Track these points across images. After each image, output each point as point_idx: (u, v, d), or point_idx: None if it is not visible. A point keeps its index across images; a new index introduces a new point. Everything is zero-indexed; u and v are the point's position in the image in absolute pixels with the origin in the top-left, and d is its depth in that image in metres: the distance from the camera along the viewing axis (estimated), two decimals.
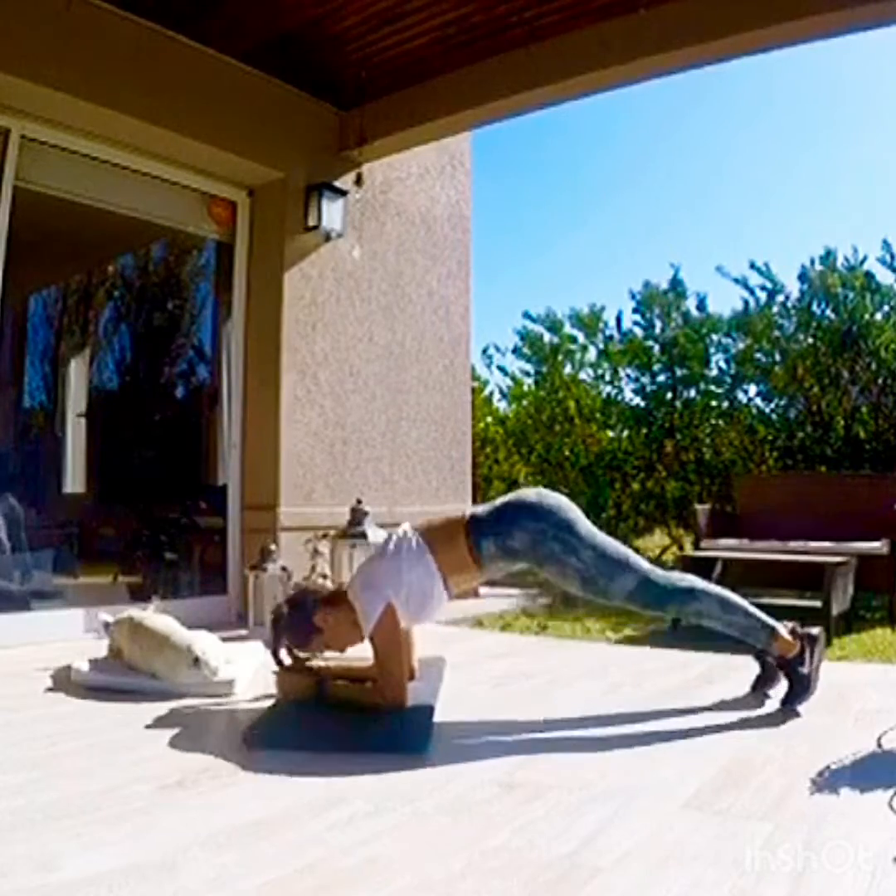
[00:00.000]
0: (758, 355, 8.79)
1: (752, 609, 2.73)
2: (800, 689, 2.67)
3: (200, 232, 5.17)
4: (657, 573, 2.70)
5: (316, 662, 2.79)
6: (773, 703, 2.73)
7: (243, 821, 1.80)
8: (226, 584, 4.84)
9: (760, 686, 2.84)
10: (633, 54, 4.11)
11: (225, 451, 5.01)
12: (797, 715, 2.62)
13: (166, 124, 4.33)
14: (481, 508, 2.76)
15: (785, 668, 2.71)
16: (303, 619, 2.69)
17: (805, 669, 2.67)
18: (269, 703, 2.74)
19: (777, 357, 8.63)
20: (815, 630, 2.76)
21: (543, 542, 2.62)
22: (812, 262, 8.54)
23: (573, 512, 2.71)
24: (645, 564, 2.70)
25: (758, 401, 8.97)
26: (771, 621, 2.71)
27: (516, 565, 2.73)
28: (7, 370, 5.47)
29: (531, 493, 2.76)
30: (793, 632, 2.73)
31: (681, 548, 8.58)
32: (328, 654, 2.78)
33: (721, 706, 2.78)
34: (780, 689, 2.76)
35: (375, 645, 2.59)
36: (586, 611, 5.19)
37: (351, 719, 2.53)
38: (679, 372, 9.21)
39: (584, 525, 2.68)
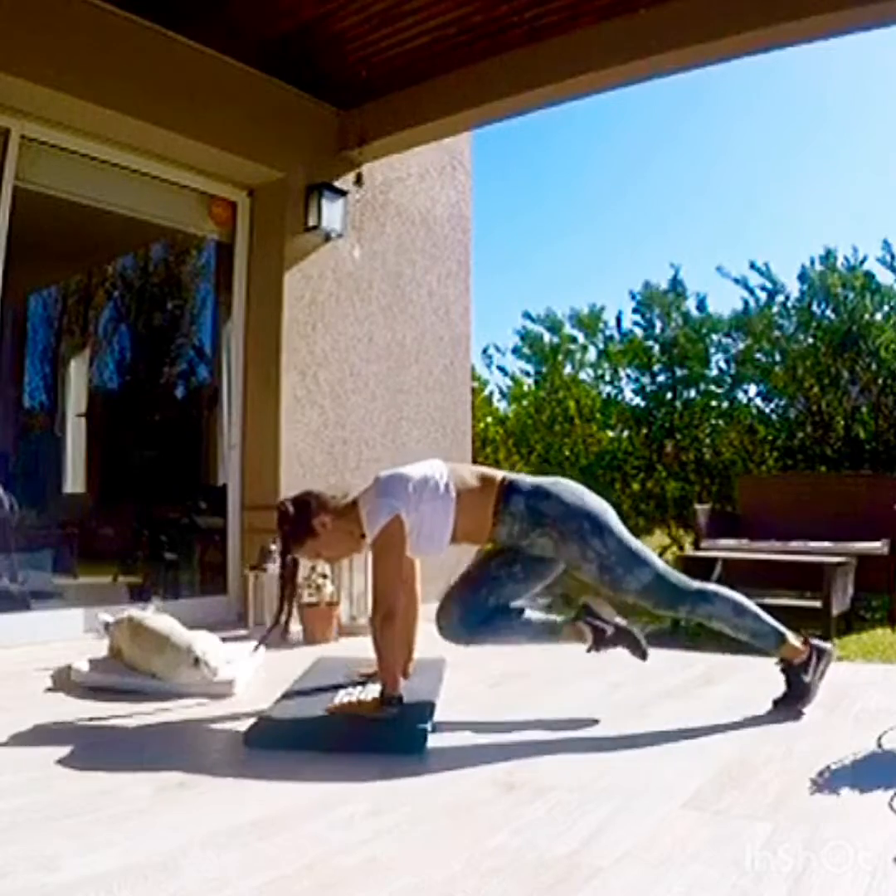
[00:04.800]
0: (758, 355, 8.81)
1: (764, 614, 2.72)
2: (796, 695, 2.67)
3: (200, 232, 5.16)
4: (672, 573, 2.71)
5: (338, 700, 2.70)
6: (769, 703, 2.72)
7: (243, 821, 1.80)
8: (226, 584, 4.83)
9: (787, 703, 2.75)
10: (633, 54, 4.10)
11: (225, 451, 5.01)
12: (794, 717, 2.62)
13: (166, 124, 4.32)
14: (521, 476, 2.77)
15: (787, 671, 2.71)
16: (302, 520, 2.65)
17: (807, 678, 2.67)
18: (269, 703, 2.73)
19: (777, 357, 8.64)
20: (827, 645, 2.75)
21: (574, 516, 2.63)
22: (812, 262, 8.56)
23: (606, 504, 2.75)
24: (662, 564, 2.72)
25: (758, 401, 9.00)
26: (781, 628, 2.71)
27: (530, 536, 2.65)
28: (7, 370, 5.47)
29: (572, 483, 2.78)
30: (805, 641, 2.72)
31: (681, 548, 8.57)
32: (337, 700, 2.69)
33: (721, 706, 2.78)
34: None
35: (374, 551, 2.57)
36: None
37: (351, 719, 2.53)
38: (679, 372, 9.21)
39: (614, 517, 2.72)
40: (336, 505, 2.70)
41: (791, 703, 2.66)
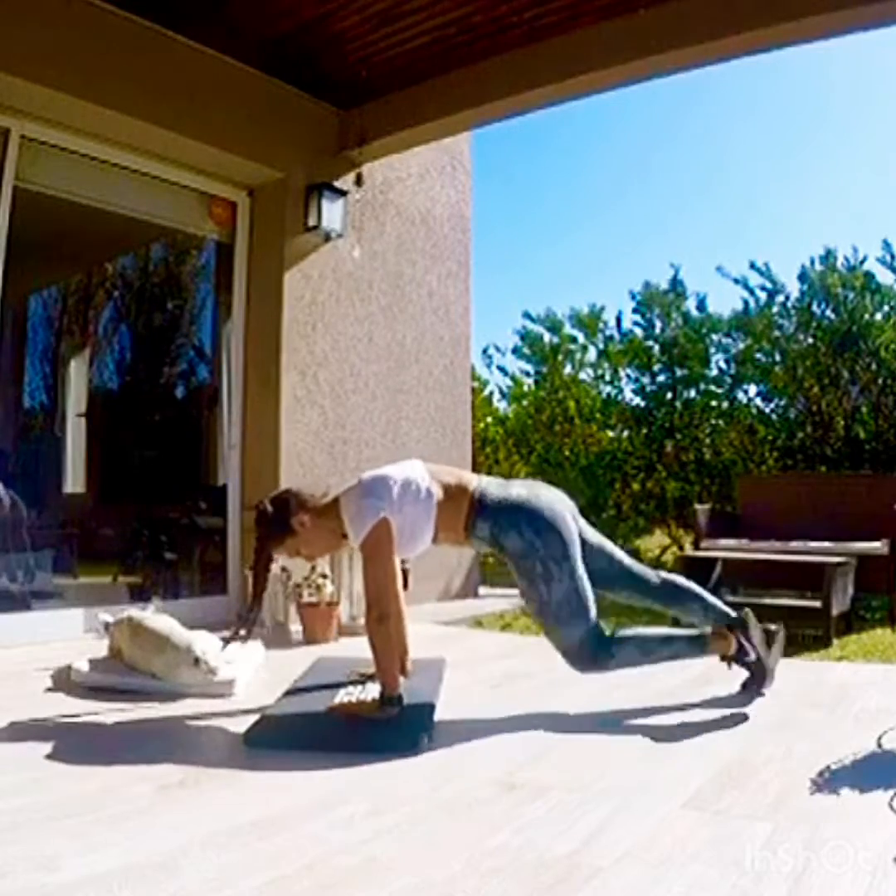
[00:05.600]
0: (758, 355, 8.81)
1: (675, 632, 2.86)
2: (758, 676, 2.81)
3: (200, 232, 5.17)
4: (598, 629, 2.68)
5: (339, 700, 2.72)
6: (769, 703, 2.74)
7: (243, 821, 1.80)
8: (226, 584, 4.83)
9: (750, 686, 2.91)
10: (633, 54, 4.10)
11: (225, 451, 5.01)
12: (760, 695, 2.78)
13: (166, 124, 4.32)
14: (493, 489, 2.70)
15: (736, 662, 2.83)
16: (281, 518, 2.65)
17: (751, 657, 2.76)
18: (270, 702, 2.73)
19: (777, 357, 8.64)
20: (772, 626, 2.87)
21: (530, 557, 2.62)
22: (812, 262, 8.56)
23: (571, 538, 2.68)
24: (594, 619, 2.67)
25: (758, 401, 9.00)
26: (695, 632, 2.84)
27: (498, 555, 2.77)
28: (7, 370, 5.47)
29: (544, 502, 2.70)
30: (718, 633, 2.80)
31: (681, 548, 8.57)
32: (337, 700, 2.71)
33: (721, 706, 2.78)
34: (771, 687, 2.85)
35: (364, 554, 2.57)
36: None
37: (351, 719, 2.53)
38: (679, 372, 9.21)
39: (574, 558, 2.66)
40: (315, 503, 2.70)
41: (754, 683, 2.81)
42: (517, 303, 18.68)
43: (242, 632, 2.79)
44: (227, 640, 2.86)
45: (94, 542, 5.38)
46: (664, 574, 2.97)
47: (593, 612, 2.68)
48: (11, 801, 1.88)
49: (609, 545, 2.90)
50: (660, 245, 20.64)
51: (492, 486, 2.72)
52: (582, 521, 2.85)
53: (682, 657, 2.82)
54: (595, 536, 2.88)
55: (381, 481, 2.65)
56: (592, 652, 2.68)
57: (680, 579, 2.97)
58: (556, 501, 2.74)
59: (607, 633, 2.72)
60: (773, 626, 2.85)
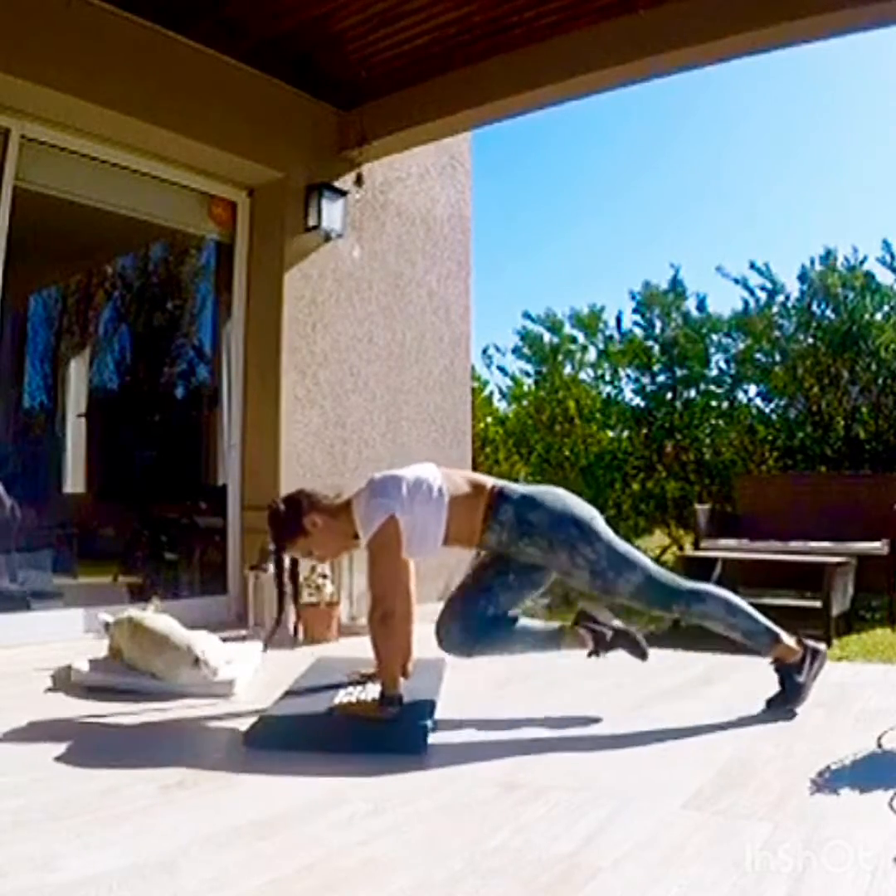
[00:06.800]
0: (758, 355, 8.79)
1: (756, 613, 2.73)
2: (790, 696, 2.67)
3: (200, 232, 5.16)
4: (664, 573, 2.73)
5: (339, 699, 2.73)
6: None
7: (243, 821, 1.80)
8: (226, 584, 4.83)
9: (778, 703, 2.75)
10: (633, 54, 4.10)
11: (225, 451, 5.01)
12: (787, 717, 2.62)
13: (166, 124, 4.32)
14: (511, 484, 2.76)
15: (780, 671, 2.71)
16: (292, 517, 2.66)
17: (800, 679, 2.67)
18: (269, 703, 2.73)
19: (777, 357, 8.63)
20: (821, 646, 2.77)
21: (562, 526, 2.64)
22: (812, 262, 8.55)
23: (594, 511, 2.76)
24: (652, 565, 2.73)
25: (758, 401, 8.98)
26: (774, 627, 2.72)
27: (518, 544, 2.66)
28: (7, 370, 5.47)
29: (562, 493, 2.78)
30: (799, 641, 2.73)
31: (681, 548, 8.57)
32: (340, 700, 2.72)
33: (721, 706, 2.78)
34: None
35: (371, 551, 2.56)
36: None
37: (351, 719, 2.53)
38: (679, 372, 9.20)
39: (602, 522, 2.73)
40: (328, 504, 2.71)
41: (784, 703, 2.67)
42: (517, 303, 18.69)
43: (284, 634, 2.83)
44: (265, 647, 2.91)
45: (94, 541, 5.38)
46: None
47: (646, 559, 2.71)
48: (12, 801, 1.88)
49: None
50: (660, 245, 20.68)
51: (511, 484, 2.77)
52: None
53: (752, 640, 2.71)
54: None
55: (392, 481, 2.65)
56: (665, 590, 2.67)
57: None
58: (574, 496, 2.79)
59: (689, 585, 2.72)
60: (821, 646, 2.75)
